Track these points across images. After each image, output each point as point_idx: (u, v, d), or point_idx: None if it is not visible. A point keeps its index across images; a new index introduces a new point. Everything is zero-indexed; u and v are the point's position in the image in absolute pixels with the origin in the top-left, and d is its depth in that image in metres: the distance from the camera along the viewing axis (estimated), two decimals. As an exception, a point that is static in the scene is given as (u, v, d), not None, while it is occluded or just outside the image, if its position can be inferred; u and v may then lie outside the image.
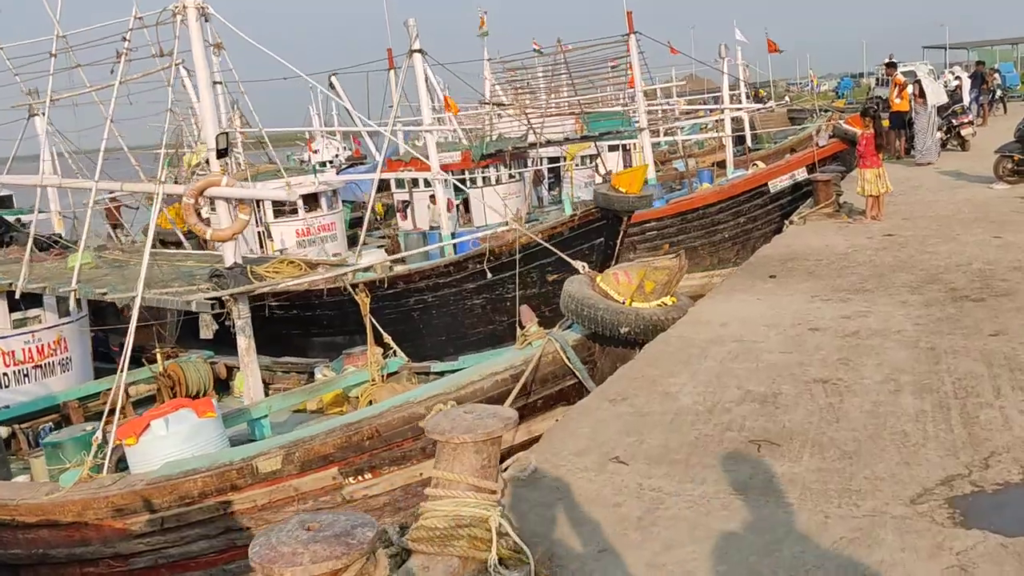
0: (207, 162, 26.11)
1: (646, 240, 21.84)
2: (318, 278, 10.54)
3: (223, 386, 13.85)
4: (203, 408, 8.99)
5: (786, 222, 13.43)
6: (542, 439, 6.01)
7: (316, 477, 8.00)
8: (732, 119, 33.36)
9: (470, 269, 15.45)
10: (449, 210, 23.98)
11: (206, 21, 10.13)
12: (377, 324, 12.06)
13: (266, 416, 10.58)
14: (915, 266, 10.35)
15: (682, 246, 21.70)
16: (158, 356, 14.03)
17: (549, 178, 33.09)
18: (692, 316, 8.41)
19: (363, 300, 11.70)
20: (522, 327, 7.88)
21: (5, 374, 13.49)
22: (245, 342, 10.52)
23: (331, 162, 38.27)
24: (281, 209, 20.51)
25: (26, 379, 13.66)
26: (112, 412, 9.11)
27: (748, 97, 41.24)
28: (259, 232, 20.69)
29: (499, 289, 15.41)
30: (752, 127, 38.52)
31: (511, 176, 25.94)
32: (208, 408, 9.04)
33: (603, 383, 6.97)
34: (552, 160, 32.79)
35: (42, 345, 13.92)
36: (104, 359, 15.77)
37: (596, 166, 30.88)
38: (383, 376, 11.87)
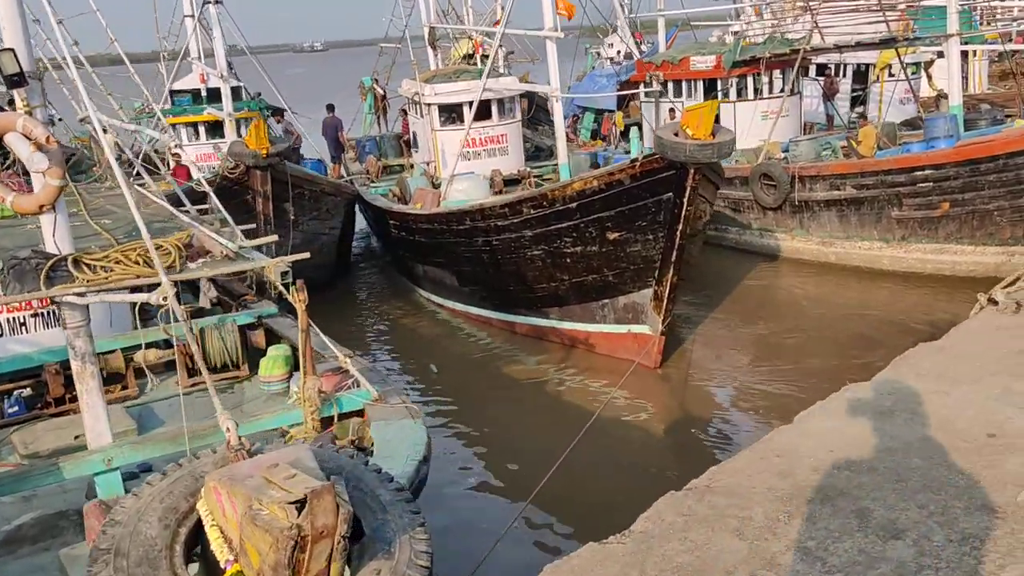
0: (466, 57, 23.41)
1: (917, 195, 15.57)
2: (134, 296, 6.93)
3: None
4: None
5: None
6: None
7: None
8: None
9: (524, 214, 13.04)
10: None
11: None
12: (324, 337, 8.35)
13: (110, 471, 7.33)
14: None
15: (970, 206, 15.23)
16: (180, 314, 11.38)
17: (855, 91, 26.45)
18: None
19: (298, 301, 7.87)
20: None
21: None
22: (79, 364, 7.25)
23: (611, 59, 34.11)
24: (449, 116, 17.52)
25: (23, 329, 11.63)
26: None
27: None
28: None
29: (556, 241, 13.00)
30: None
31: (782, 90, 20.65)
32: None
33: None
34: (861, 69, 26.50)
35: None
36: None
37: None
38: (326, 420, 8.11)
